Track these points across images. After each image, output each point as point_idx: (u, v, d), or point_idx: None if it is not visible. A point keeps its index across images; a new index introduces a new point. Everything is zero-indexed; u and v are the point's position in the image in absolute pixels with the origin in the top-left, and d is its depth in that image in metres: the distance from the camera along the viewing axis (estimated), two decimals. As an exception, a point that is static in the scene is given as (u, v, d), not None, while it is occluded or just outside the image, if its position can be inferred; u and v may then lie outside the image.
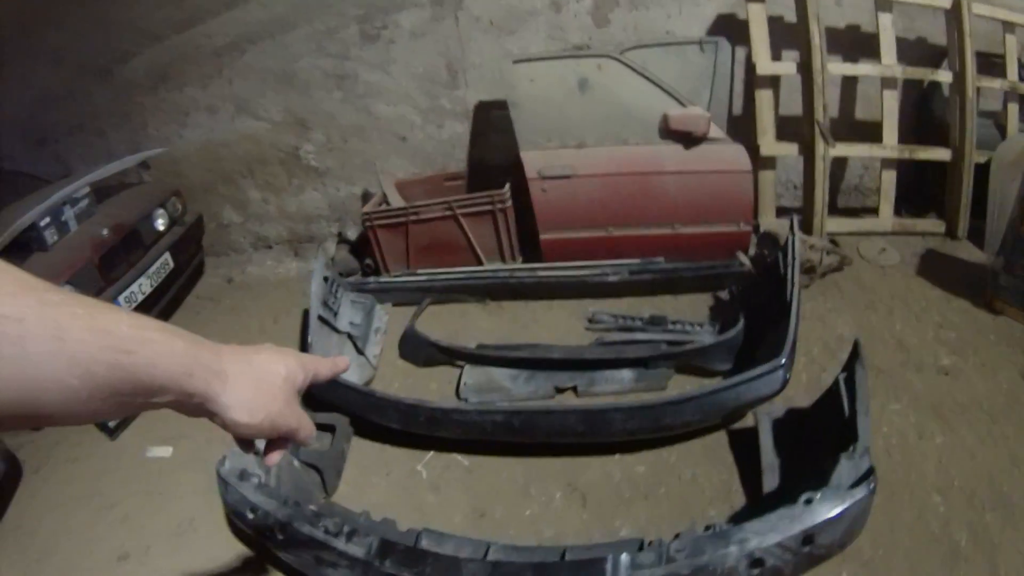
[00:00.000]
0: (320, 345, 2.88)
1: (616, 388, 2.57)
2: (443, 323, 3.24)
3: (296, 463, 2.49)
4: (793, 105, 3.22)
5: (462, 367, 2.82)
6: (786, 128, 3.26)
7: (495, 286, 3.23)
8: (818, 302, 2.92)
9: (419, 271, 3.37)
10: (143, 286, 3.38)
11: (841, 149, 3.13)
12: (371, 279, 3.39)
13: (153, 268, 3.46)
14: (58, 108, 3.92)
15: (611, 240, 3.29)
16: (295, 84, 3.65)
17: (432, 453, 2.49)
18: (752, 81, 3.17)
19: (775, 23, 3.11)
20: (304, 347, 2.77)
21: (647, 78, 2.98)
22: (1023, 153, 2.96)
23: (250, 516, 1.92)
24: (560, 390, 2.61)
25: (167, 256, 3.57)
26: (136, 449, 2.84)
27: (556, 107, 3.14)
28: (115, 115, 3.89)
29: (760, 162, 3.28)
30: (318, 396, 2.53)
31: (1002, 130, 3.22)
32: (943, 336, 2.65)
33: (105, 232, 3.25)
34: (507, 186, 3.32)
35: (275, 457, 0.69)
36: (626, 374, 2.60)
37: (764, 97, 3.17)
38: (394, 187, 3.88)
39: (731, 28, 3.11)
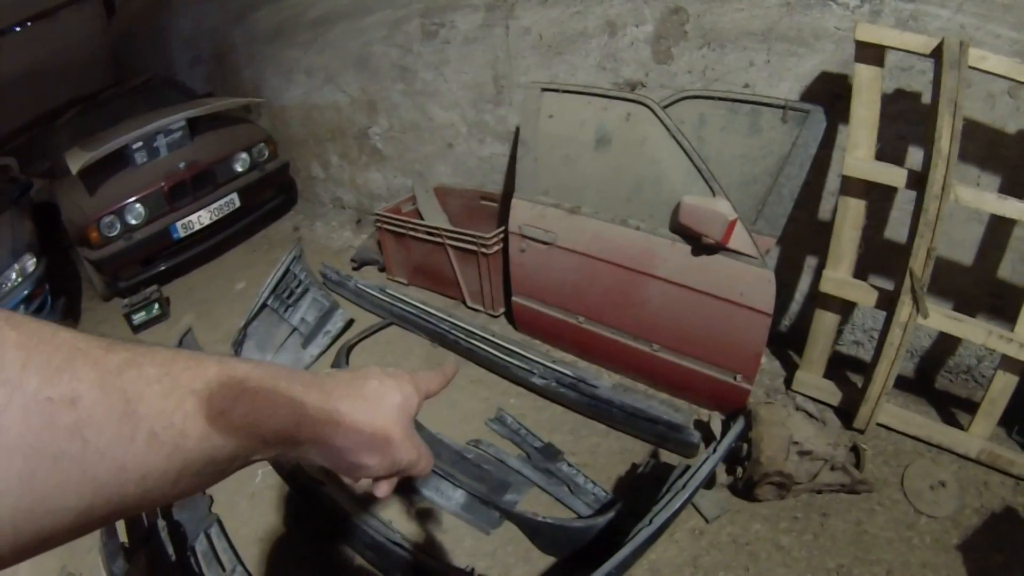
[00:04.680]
0: (261, 331, 3.03)
1: (443, 504, 2.22)
2: (388, 349, 3.12)
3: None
4: (900, 230, 2.12)
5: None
6: (881, 260, 2.20)
7: (439, 334, 2.95)
8: (770, 528, 1.99)
9: (388, 290, 3.24)
10: (202, 218, 3.92)
11: (939, 320, 1.95)
12: (354, 279, 3.38)
13: (217, 204, 3.97)
14: (207, 38, 4.60)
15: (581, 333, 2.73)
16: (369, 67, 3.66)
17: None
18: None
19: (901, 102, 2.00)
20: (244, 329, 2.91)
21: (680, 144, 2.20)
22: None
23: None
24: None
25: (234, 196, 4.05)
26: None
27: (565, 156, 2.57)
28: (244, 56, 4.41)
29: (818, 299, 2.29)
30: None
31: None
32: None
33: (181, 166, 3.81)
34: (499, 230, 2.94)
35: (385, 487, 0.57)
36: (459, 497, 2.22)
37: (849, 209, 2.07)
38: (433, 192, 3.73)
39: (836, 97, 2.09)
